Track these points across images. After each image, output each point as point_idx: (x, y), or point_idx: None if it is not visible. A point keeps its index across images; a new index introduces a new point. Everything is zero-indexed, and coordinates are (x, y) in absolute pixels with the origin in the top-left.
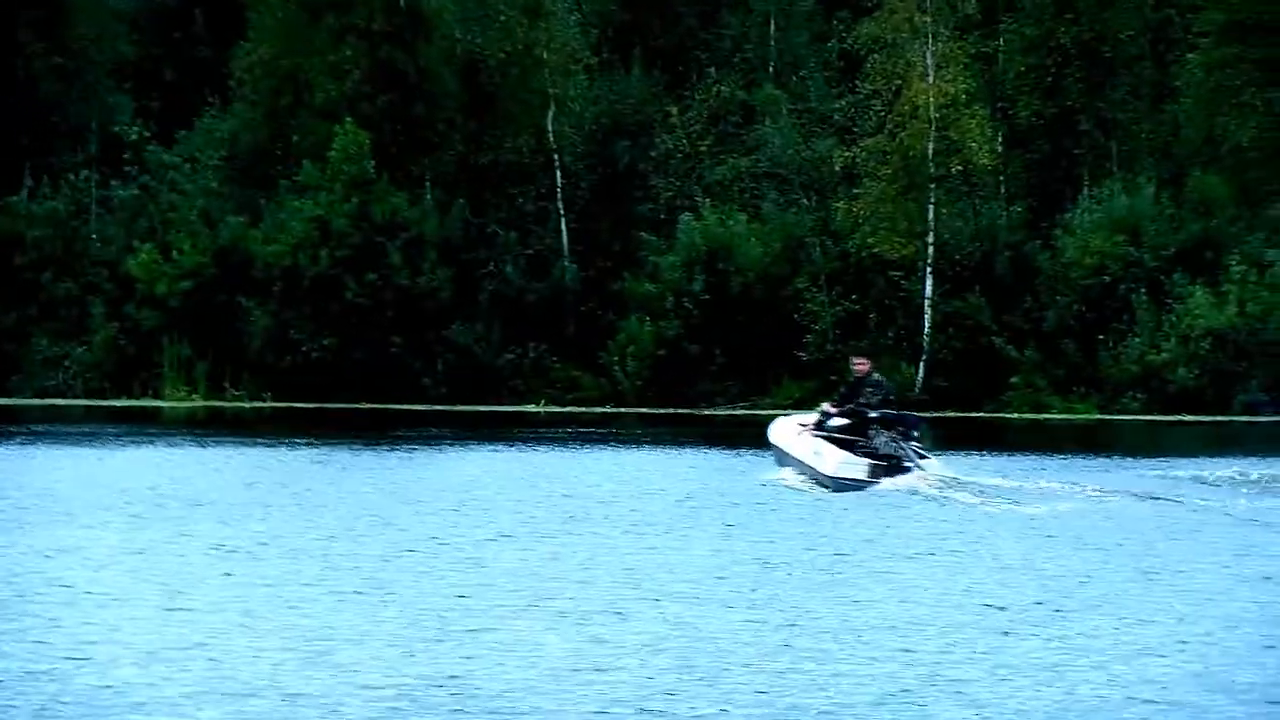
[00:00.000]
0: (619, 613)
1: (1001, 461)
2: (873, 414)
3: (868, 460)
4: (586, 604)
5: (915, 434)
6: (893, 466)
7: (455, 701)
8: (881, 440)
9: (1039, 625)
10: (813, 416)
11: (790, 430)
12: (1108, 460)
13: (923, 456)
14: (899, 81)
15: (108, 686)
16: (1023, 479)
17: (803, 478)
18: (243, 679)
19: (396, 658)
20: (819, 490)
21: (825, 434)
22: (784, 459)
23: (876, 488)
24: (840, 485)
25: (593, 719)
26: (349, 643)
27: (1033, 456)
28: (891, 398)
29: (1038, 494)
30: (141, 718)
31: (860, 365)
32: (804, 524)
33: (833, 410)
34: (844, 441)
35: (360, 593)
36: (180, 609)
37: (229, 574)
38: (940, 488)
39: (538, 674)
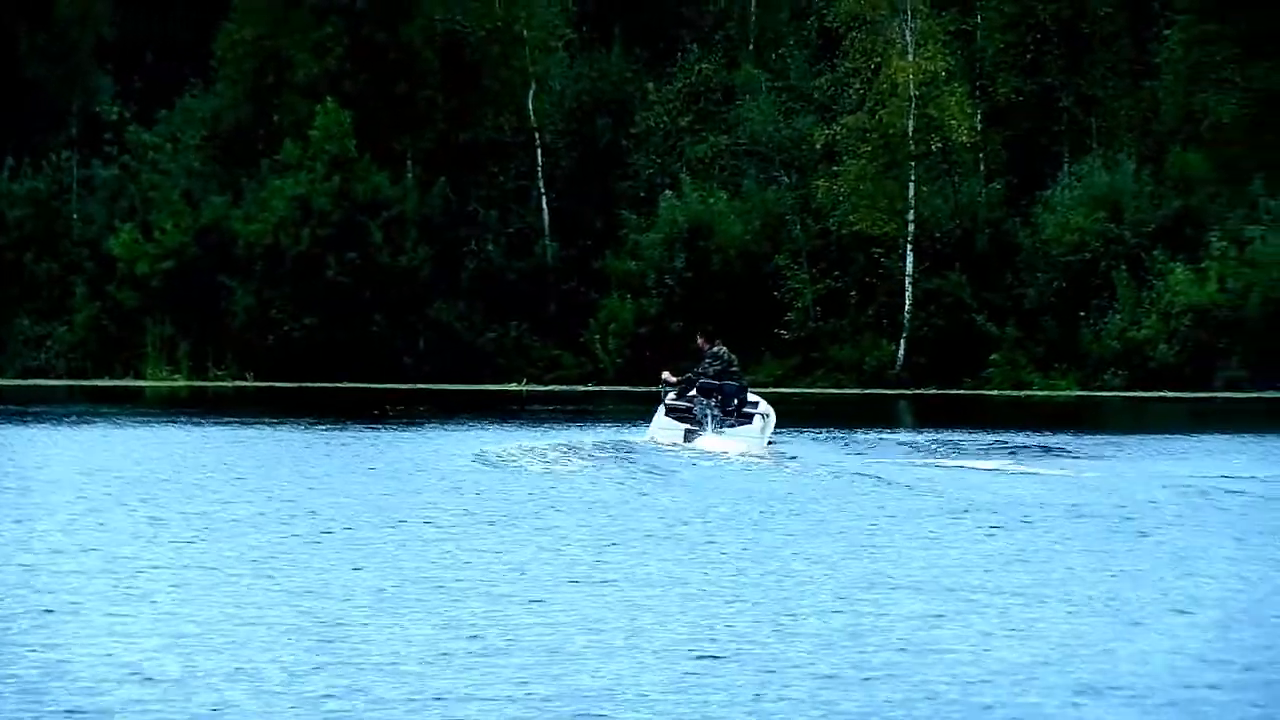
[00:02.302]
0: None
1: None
2: (696, 384)
3: (684, 426)
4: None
5: (735, 401)
6: (693, 433)
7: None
8: (698, 408)
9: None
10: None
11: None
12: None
13: (727, 425)
14: (878, 59)
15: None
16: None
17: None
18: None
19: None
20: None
21: (674, 403)
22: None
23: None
24: (659, 447)
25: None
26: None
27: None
28: (734, 369)
29: (746, 468)
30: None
31: (703, 341)
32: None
33: (671, 380)
34: (681, 410)
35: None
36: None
37: (155, 558)
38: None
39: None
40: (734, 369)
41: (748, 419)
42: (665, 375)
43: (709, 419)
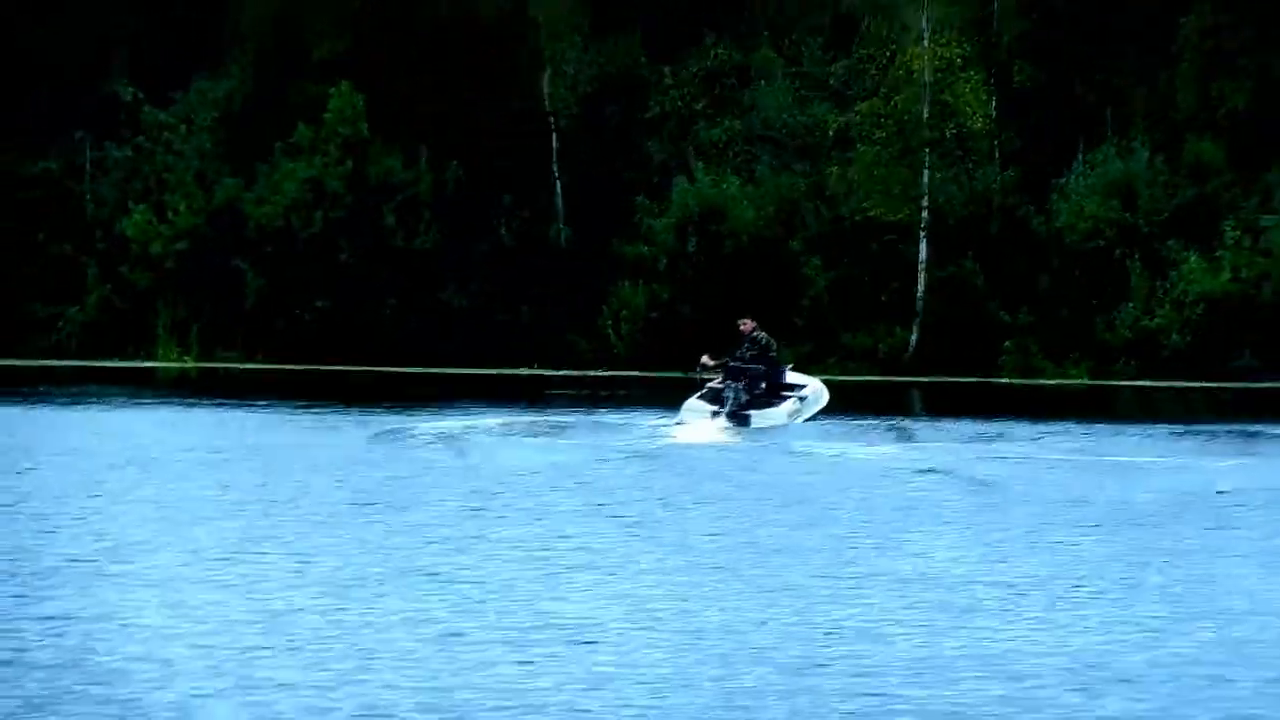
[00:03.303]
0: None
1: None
2: (731, 365)
3: (711, 408)
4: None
5: (763, 384)
6: (718, 414)
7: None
8: (726, 390)
9: None
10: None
11: None
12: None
13: (755, 407)
14: (894, 45)
15: None
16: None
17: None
18: None
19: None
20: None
21: (716, 386)
22: None
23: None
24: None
25: None
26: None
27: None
28: (772, 353)
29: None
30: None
31: (744, 325)
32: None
33: (710, 363)
34: (716, 392)
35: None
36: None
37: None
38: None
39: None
40: (771, 354)
41: (781, 400)
42: (704, 359)
43: (730, 401)
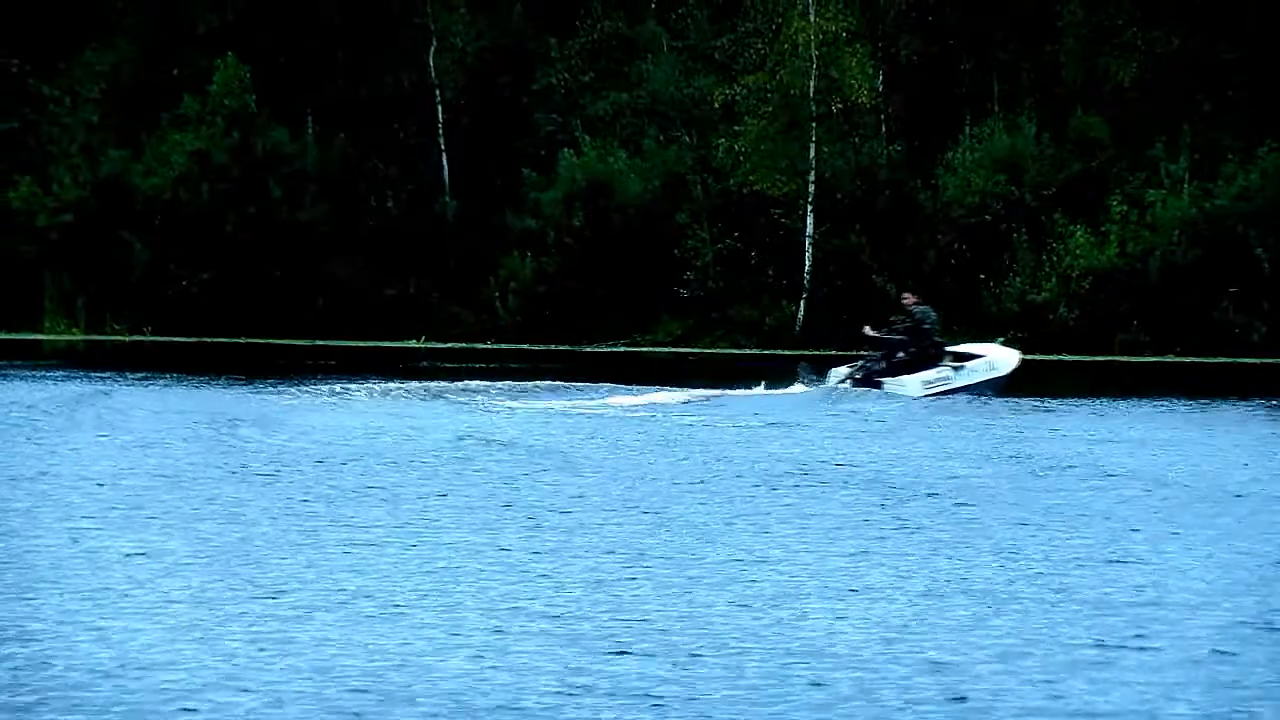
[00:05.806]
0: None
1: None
2: (872, 335)
3: (848, 371)
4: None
5: (900, 354)
6: (855, 380)
7: None
8: (864, 359)
9: None
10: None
11: None
12: None
13: (882, 374)
14: (779, 19)
15: None
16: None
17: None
18: None
19: None
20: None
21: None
22: None
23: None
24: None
25: None
26: None
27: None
28: (926, 326)
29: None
30: None
31: (905, 299)
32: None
33: (870, 333)
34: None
35: None
36: None
37: None
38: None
39: None
40: (926, 326)
41: (926, 369)
42: (866, 329)
43: (858, 367)
